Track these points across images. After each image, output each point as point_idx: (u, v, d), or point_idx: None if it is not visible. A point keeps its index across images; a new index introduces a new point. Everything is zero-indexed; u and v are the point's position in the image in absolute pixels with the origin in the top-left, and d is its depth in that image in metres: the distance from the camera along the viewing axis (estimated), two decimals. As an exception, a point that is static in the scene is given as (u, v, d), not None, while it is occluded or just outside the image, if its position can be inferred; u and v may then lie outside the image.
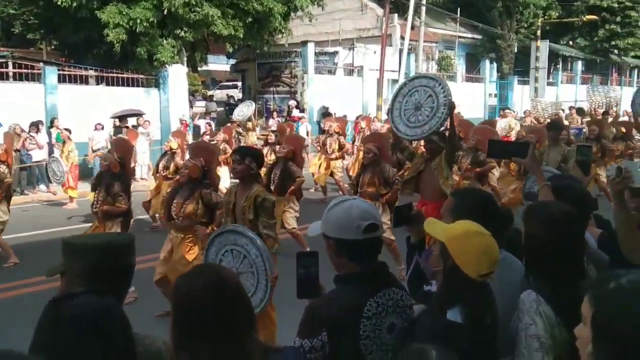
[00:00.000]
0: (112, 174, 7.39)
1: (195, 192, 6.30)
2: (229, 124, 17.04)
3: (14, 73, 17.68)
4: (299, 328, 2.29)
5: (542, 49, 32.97)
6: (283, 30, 22.13)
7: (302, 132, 18.71)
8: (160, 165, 11.42)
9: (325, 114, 17.00)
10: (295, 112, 23.33)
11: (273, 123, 19.87)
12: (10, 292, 7.77)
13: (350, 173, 15.02)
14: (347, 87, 26.07)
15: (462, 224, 2.40)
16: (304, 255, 2.48)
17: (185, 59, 21.33)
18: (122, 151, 7.78)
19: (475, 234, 2.32)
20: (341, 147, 14.33)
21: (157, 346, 2.06)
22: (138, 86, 19.80)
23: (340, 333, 2.27)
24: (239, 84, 31.93)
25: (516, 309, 2.45)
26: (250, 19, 20.21)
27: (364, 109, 26.05)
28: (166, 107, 20.14)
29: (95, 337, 1.60)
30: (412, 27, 27.60)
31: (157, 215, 10.76)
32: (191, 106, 22.88)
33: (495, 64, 35.09)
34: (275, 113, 23.74)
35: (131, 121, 17.59)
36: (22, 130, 15.18)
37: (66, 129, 15.27)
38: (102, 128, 16.69)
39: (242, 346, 1.93)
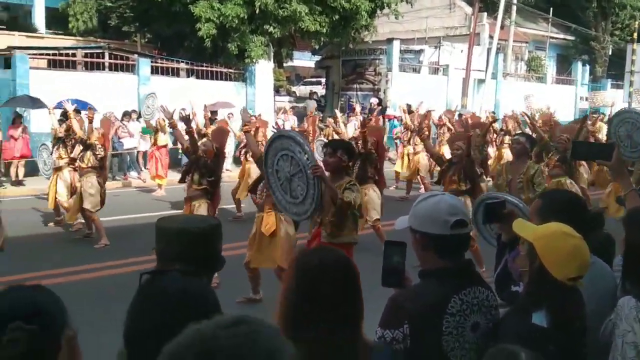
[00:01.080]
0: (205, 161, 7.61)
1: None
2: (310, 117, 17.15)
3: (110, 64, 18.50)
4: (381, 318, 2.31)
5: (638, 52, 31.50)
6: (369, 28, 22.12)
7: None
8: (243, 151, 11.83)
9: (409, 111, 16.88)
10: (390, 111, 23.25)
11: (353, 119, 19.88)
12: (101, 271, 8.15)
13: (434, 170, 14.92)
14: (432, 86, 25.77)
15: (552, 224, 2.35)
16: (392, 245, 2.45)
17: (272, 54, 21.67)
18: (220, 141, 8.05)
19: (565, 235, 2.26)
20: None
21: None
22: (226, 80, 20.30)
23: (422, 327, 2.27)
24: (323, 80, 32.13)
25: (607, 314, 2.38)
26: (337, 16, 20.32)
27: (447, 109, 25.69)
28: (252, 101, 20.54)
29: (183, 313, 1.65)
30: (502, 27, 26.97)
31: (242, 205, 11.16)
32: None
33: (587, 67, 33.78)
34: (357, 110, 23.73)
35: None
36: (116, 119, 15.85)
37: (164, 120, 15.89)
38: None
39: (359, 338, 1.90)
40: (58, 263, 8.26)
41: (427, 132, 9.73)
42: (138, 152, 16.82)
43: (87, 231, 9.86)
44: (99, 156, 9.48)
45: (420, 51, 27.67)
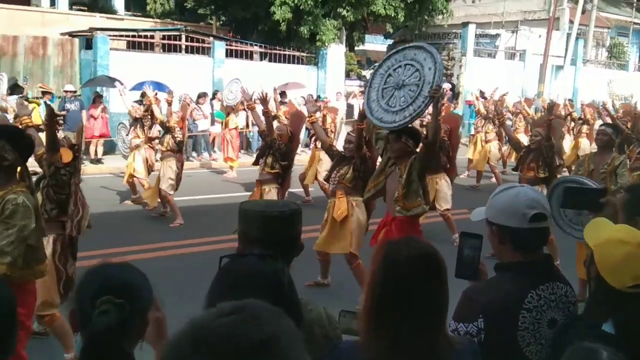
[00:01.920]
0: (279, 145, 7.69)
1: (352, 161, 6.45)
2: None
3: (186, 46, 18.90)
4: (455, 311, 2.28)
5: None
6: (444, 11, 21.73)
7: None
8: (313, 138, 11.88)
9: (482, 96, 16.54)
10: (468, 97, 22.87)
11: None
12: (176, 250, 8.39)
13: (508, 159, 14.64)
14: (507, 72, 25.10)
15: (611, 229, 2.24)
16: (468, 236, 2.42)
17: (344, 38, 21.63)
18: (295, 126, 8.12)
19: (619, 242, 2.13)
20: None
21: (319, 312, 2.15)
22: (298, 63, 20.42)
23: (497, 321, 2.24)
24: (395, 64, 31.77)
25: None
26: (411, 0, 20.08)
27: (523, 95, 25.00)
28: (323, 84, 20.60)
29: (258, 297, 1.67)
30: (583, 11, 25.96)
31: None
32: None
33: (673, 54, 32.18)
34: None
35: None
36: (192, 101, 16.23)
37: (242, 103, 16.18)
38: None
39: (443, 332, 1.86)
40: (134, 240, 8.54)
41: (504, 116, 9.51)
42: (210, 133, 17.16)
43: (162, 210, 10.15)
44: (178, 139, 9.71)
45: (497, 36, 26.97)
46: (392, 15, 20.07)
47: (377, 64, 5.74)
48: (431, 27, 24.33)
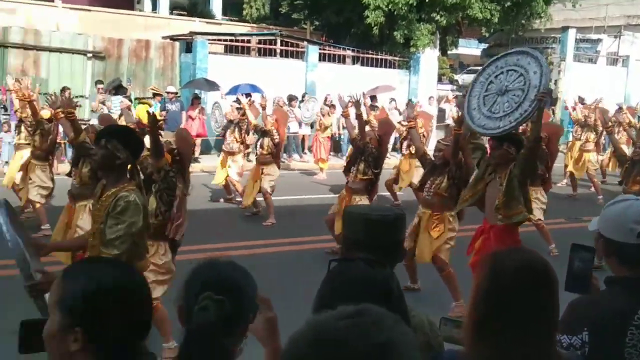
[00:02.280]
0: (372, 150, 7.73)
1: (446, 170, 6.39)
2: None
3: (281, 50, 19.26)
4: (559, 322, 2.24)
5: None
6: (543, 15, 21.10)
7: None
8: (405, 144, 11.76)
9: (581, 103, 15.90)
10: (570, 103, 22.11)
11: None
12: (268, 248, 8.57)
13: (607, 169, 14.06)
14: (609, 78, 24.07)
15: None
16: (580, 248, 2.35)
17: (438, 42, 21.40)
18: (384, 130, 8.13)
19: None
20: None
21: (421, 319, 2.16)
22: (391, 68, 20.37)
23: (604, 336, 2.18)
24: (488, 69, 31.09)
25: None
26: (508, 3, 19.62)
27: (626, 102, 23.87)
28: (415, 89, 20.46)
29: (370, 301, 1.69)
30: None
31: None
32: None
33: None
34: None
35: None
36: (285, 104, 16.52)
37: (330, 105, 16.38)
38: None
39: (552, 349, 1.80)
40: (226, 237, 8.79)
41: (611, 125, 8.99)
42: (303, 135, 17.42)
43: (255, 209, 10.37)
44: (276, 141, 9.91)
45: (598, 41, 25.91)
46: (488, 19, 19.67)
47: (476, 72, 5.66)
48: (528, 31, 23.66)
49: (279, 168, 10.15)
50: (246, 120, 10.59)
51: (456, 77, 32.45)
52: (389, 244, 2.23)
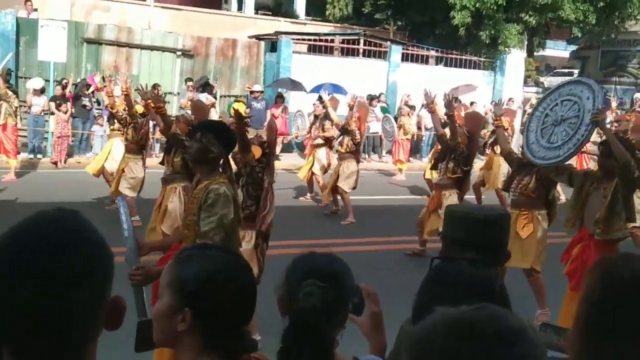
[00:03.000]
0: (462, 149, 7.64)
1: (534, 170, 6.23)
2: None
3: (364, 50, 19.28)
4: None
5: None
6: (639, 17, 20.22)
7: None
8: (489, 141, 11.61)
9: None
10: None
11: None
12: (346, 247, 8.61)
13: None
14: None
15: None
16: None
17: (525, 43, 20.88)
18: (471, 125, 8.02)
19: None
20: None
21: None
22: (475, 68, 20.03)
23: None
24: (576, 71, 30.08)
25: None
26: (602, 4, 18.89)
27: None
28: (500, 91, 20.02)
29: (467, 301, 1.67)
30: None
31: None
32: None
33: None
34: (613, 105, 21.89)
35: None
36: (369, 109, 16.57)
37: (411, 106, 16.29)
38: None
39: None
40: (306, 235, 8.87)
41: None
42: (380, 136, 17.35)
43: (334, 208, 10.44)
44: (357, 140, 9.97)
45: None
46: (580, 20, 19.02)
47: (564, 74, 5.73)
48: (621, 33, 22.70)
49: (358, 164, 10.16)
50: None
51: (542, 79, 31.55)
52: (491, 244, 2.20)
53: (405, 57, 19.24)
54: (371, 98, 16.84)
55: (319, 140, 11.05)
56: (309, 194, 11.58)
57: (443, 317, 1.04)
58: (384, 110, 17.30)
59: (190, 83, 15.60)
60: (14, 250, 1.04)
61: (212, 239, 3.87)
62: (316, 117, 11.41)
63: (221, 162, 4.11)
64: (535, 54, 27.56)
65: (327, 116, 11.00)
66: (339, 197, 10.28)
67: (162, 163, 7.33)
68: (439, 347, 0.99)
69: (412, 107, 16.34)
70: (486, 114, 12.47)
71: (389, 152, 16.54)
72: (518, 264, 6.20)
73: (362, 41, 19.25)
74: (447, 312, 1.05)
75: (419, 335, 1.05)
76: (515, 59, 20.14)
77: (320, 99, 11.46)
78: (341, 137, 10.26)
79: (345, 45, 19.17)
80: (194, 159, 4.13)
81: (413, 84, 18.30)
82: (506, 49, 19.18)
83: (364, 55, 19.23)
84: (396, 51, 18.91)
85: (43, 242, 1.05)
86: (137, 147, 8.88)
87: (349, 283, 1.85)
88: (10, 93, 12.37)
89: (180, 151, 6.72)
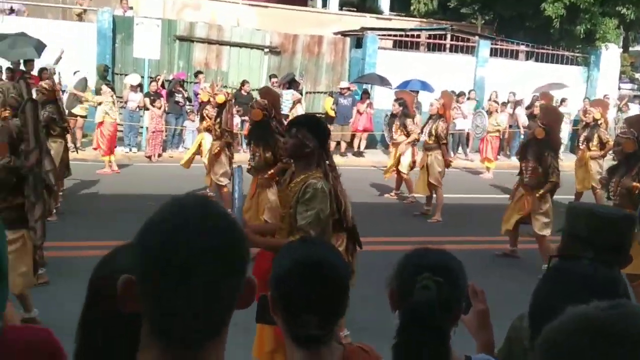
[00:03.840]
0: (537, 141, 7.42)
1: (633, 168, 5.96)
2: None
3: (450, 45, 18.99)
4: None
5: None
6: None
7: None
8: (581, 138, 11.19)
9: None
10: None
11: None
12: (436, 246, 8.50)
13: None
14: None
15: None
16: None
17: (622, 38, 19.98)
18: (549, 119, 7.76)
19: None
20: None
21: None
22: (568, 64, 19.35)
23: None
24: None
25: None
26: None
27: None
28: (594, 87, 19.28)
29: (586, 301, 1.62)
30: None
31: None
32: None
33: None
34: None
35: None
36: (455, 100, 16.31)
37: (500, 102, 15.96)
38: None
39: None
40: (392, 232, 8.79)
41: None
42: (467, 133, 17.05)
43: (425, 208, 10.31)
44: (442, 128, 9.86)
45: None
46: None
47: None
48: None
49: (444, 155, 9.99)
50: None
51: (637, 75, 30.06)
52: (613, 245, 2.13)
53: (493, 52, 18.81)
54: (459, 94, 16.57)
55: (401, 138, 10.97)
56: (394, 192, 11.52)
57: (581, 317, 1.01)
58: (477, 106, 17.01)
59: (274, 79, 15.83)
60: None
61: (308, 233, 3.92)
62: (393, 115, 11.32)
63: (316, 156, 4.14)
64: (630, 49, 26.32)
65: (406, 115, 10.93)
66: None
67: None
68: (583, 350, 0.97)
69: (503, 104, 15.97)
70: (585, 112, 11.98)
71: (477, 150, 16.23)
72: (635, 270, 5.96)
73: (449, 36, 18.96)
74: (584, 312, 1.02)
75: (558, 335, 1.03)
76: (611, 54, 19.31)
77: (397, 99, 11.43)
78: (427, 126, 10.14)
79: (431, 41, 18.95)
80: (290, 154, 4.18)
81: (502, 79, 17.90)
82: (604, 44, 18.40)
83: (450, 51, 18.94)
84: (484, 46, 18.52)
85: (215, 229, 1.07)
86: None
87: (462, 280, 1.83)
88: (106, 89, 12.90)
89: (267, 148, 7.10)
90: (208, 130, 9.87)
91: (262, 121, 7.33)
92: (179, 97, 14.78)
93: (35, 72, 13.51)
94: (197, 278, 1.00)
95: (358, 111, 15.97)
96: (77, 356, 1.41)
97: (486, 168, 14.75)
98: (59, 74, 13.11)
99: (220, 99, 9.20)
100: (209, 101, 9.74)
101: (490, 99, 16.39)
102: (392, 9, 29.11)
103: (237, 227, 1.09)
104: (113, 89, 13.51)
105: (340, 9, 25.92)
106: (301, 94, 16.24)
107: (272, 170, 7.28)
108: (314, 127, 4.08)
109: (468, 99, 17.15)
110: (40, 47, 13.28)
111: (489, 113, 15.37)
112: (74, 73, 14.08)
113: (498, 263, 7.86)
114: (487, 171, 14.67)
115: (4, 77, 13.23)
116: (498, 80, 17.83)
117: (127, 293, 1.06)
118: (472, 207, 11.14)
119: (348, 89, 16.11)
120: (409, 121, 10.89)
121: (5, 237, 1.55)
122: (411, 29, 19.64)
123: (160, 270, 1.01)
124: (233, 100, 10.14)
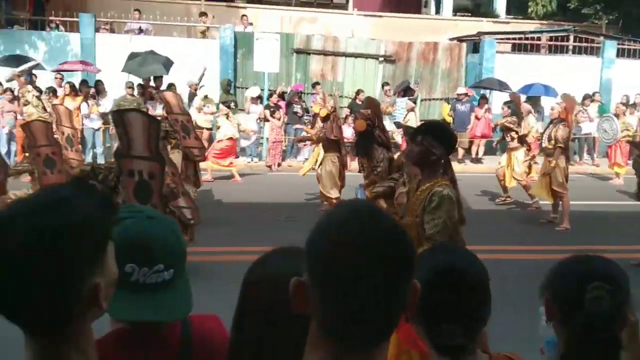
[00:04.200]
0: None
1: None
2: None
3: (573, 46, 18.23)
4: None
5: None
6: None
7: None
8: None
9: None
10: None
11: None
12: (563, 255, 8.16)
13: None
14: None
15: None
16: None
17: None
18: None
19: None
20: None
21: None
22: None
23: None
24: None
25: None
26: None
27: None
28: None
29: None
30: None
31: None
32: None
33: None
34: None
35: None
36: (577, 103, 15.62)
37: (630, 104, 15.18)
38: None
39: None
40: (515, 240, 8.53)
41: None
42: (594, 137, 16.26)
43: (552, 215, 9.92)
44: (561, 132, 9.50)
45: None
46: None
47: None
48: None
49: (568, 161, 9.59)
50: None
51: None
52: None
53: (620, 53, 17.85)
54: (584, 97, 15.87)
55: (513, 143, 10.66)
56: (503, 196, 11.18)
57: None
58: (602, 109, 16.19)
59: (387, 87, 15.86)
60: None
61: (437, 242, 3.90)
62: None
63: (442, 163, 4.12)
64: None
65: (516, 115, 10.68)
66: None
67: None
68: None
69: (633, 106, 15.09)
70: None
71: (605, 155, 15.44)
72: None
73: (571, 37, 18.22)
74: None
75: None
76: None
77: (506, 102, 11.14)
78: (547, 130, 9.79)
79: (552, 43, 18.28)
80: (416, 162, 4.16)
81: (630, 81, 16.93)
82: None
83: (573, 52, 18.18)
84: (610, 47, 17.63)
85: None
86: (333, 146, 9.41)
87: (627, 286, 1.77)
88: (223, 108, 13.34)
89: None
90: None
91: (366, 131, 7.39)
92: (297, 108, 15.14)
93: (163, 88, 14.35)
94: (371, 281, 1.03)
95: (476, 117, 15.66)
96: (232, 355, 1.47)
97: (615, 174, 14.00)
98: (201, 89, 13.84)
99: (323, 112, 9.33)
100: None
101: (621, 102, 15.56)
102: (508, 12, 28.38)
103: (405, 233, 1.12)
104: (236, 103, 14.00)
105: (454, 15, 25.59)
106: (416, 101, 16.16)
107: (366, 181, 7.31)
108: (440, 134, 4.06)
109: (592, 101, 16.37)
110: (168, 64, 14.09)
111: (617, 116, 14.58)
112: (199, 88, 14.77)
113: (636, 273, 7.42)
114: (617, 177, 13.91)
115: (135, 92, 14.13)
116: (626, 82, 16.88)
117: (297, 295, 1.10)
118: (602, 214, 10.58)
119: (466, 94, 15.82)
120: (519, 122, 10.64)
121: (181, 234, 1.66)
122: (531, 32, 19.03)
123: (335, 274, 1.04)
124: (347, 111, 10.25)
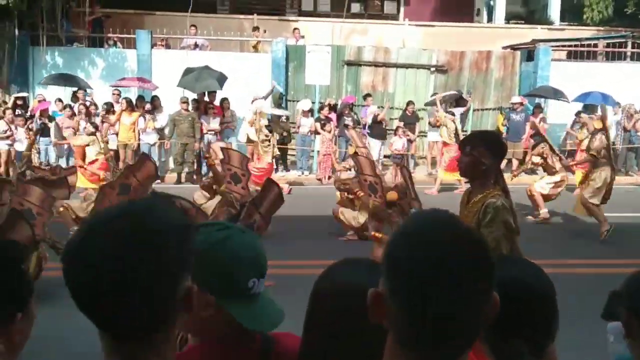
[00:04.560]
0: None
1: None
2: None
3: (632, 53, 17.74)
4: None
5: None
6: None
7: None
8: None
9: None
10: None
11: None
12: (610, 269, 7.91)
13: None
14: None
15: None
16: None
17: None
18: None
19: None
20: None
21: None
22: None
23: None
24: None
25: None
26: None
27: None
28: None
29: None
30: None
31: None
32: None
33: None
34: None
35: None
36: (636, 112, 15.19)
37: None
38: None
39: None
40: (557, 253, 8.27)
41: None
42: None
43: (535, 212, 10.20)
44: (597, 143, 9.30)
45: None
46: None
47: None
48: None
49: (613, 170, 9.32)
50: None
51: None
52: None
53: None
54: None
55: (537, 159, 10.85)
56: (535, 212, 10.86)
57: None
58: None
59: (435, 96, 15.74)
60: None
61: (497, 250, 3.84)
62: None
63: (493, 173, 4.05)
64: None
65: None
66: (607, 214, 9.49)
67: None
68: None
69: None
70: None
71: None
72: None
73: (629, 44, 17.72)
74: None
75: None
76: None
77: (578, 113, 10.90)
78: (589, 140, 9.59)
79: (609, 49, 17.81)
80: (466, 173, 4.09)
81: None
82: None
83: (631, 59, 17.68)
84: (670, 52, 17.10)
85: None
86: None
87: None
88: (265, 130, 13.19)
89: None
90: None
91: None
92: (348, 120, 15.16)
93: (217, 102, 14.61)
94: (453, 295, 1.03)
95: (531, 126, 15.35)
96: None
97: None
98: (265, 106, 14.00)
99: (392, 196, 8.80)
100: None
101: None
102: (562, 18, 27.80)
103: (487, 244, 1.11)
104: (271, 131, 13.41)
105: (507, 22, 25.23)
106: (468, 111, 15.98)
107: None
108: (490, 143, 3.99)
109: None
110: (222, 79, 14.34)
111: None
112: (252, 101, 14.95)
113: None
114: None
115: (190, 107, 14.42)
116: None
117: (375, 306, 1.09)
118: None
119: (520, 103, 15.54)
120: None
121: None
122: (586, 38, 18.60)
123: (416, 286, 1.03)
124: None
